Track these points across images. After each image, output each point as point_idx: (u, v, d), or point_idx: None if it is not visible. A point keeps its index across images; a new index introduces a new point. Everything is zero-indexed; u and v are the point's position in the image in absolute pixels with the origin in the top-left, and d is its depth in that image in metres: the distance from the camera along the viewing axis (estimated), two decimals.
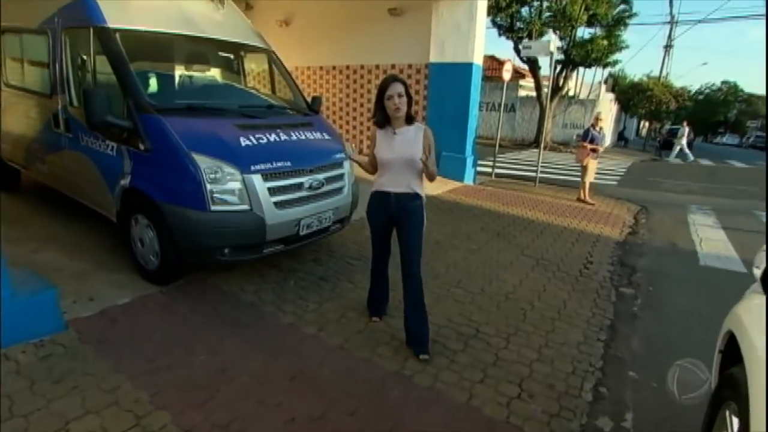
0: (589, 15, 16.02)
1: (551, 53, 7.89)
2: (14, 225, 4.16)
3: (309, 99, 4.28)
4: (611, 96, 22.70)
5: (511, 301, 3.42)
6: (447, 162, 7.89)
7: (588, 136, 7.09)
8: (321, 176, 3.32)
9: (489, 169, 9.46)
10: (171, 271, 3.12)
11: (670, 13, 25.78)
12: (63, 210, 4.44)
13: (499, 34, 17.30)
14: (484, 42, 7.78)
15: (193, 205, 2.79)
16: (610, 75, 26.56)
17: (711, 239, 5.75)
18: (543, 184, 8.77)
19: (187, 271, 3.33)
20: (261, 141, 3.08)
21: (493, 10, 14.85)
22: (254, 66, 5.85)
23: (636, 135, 34.95)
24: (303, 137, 3.40)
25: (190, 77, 3.86)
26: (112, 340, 2.56)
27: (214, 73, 4.37)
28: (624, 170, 13.47)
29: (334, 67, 9.79)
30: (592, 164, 7.23)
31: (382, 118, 2.47)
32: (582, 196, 7.38)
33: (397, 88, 2.34)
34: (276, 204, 3.00)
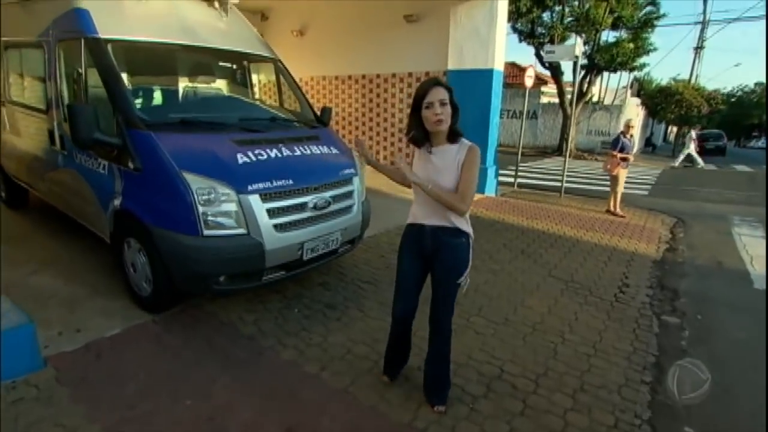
0: (614, 18, 15.46)
1: (576, 57, 7.49)
2: (17, 244, 4.04)
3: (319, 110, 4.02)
4: (637, 101, 21.89)
5: (539, 333, 3.05)
6: None
7: (618, 145, 6.63)
8: (327, 194, 3.03)
9: (511, 179, 9.05)
10: (164, 299, 2.88)
11: (704, 12, 24.73)
12: (67, 229, 4.28)
13: (520, 40, 16.89)
14: (504, 47, 7.44)
15: (185, 229, 2.54)
16: (635, 79, 25.71)
17: (763, 257, 5.21)
18: (569, 195, 8.31)
19: (184, 297, 3.08)
20: (260, 157, 2.82)
21: (514, 15, 14.47)
22: (263, 76, 5.66)
23: (663, 141, 33.76)
24: (308, 152, 3.13)
25: (189, 90, 3.65)
26: (92, 380, 2.32)
27: (219, 85, 4.18)
28: (654, 178, 12.81)
29: (349, 77, 9.60)
30: (623, 174, 6.76)
31: (420, 134, 1.96)
32: (611, 208, 6.91)
33: (440, 93, 1.85)
34: (276, 227, 2.73)
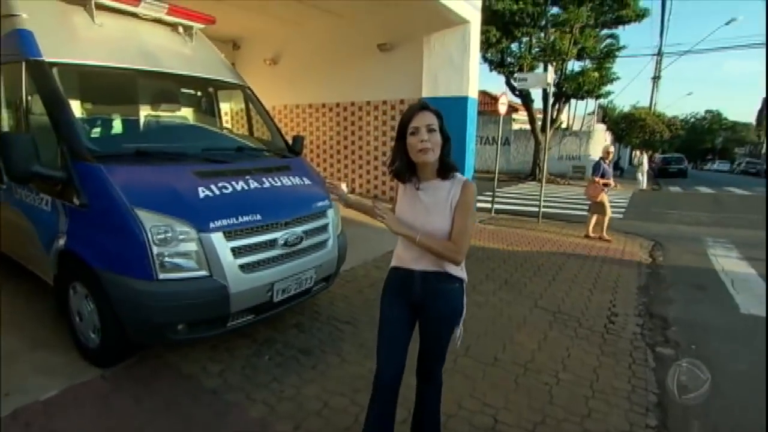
0: (578, 49, 16.11)
1: (548, 84, 7.61)
2: None
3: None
4: (603, 127, 22.72)
5: (531, 374, 2.83)
6: None
7: (599, 170, 6.67)
8: (299, 229, 2.79)
9: (488, 205, 8.99)
10: (114, 352, 2.54)
11: (660, 45, 26.20)
12: (8, 272, 3.86)
13: (491, 69, 17.35)
14: (477, 75, 7.51)
15: (138, 273, 2.24)
16: (600, 107, 26.79)
17: (742, 279, 5.20)
18: (547, 220, 8.29)
19: (138, 348, 2.73)
20: (225, 191, 2.57)
21: (484, 45, 14.86)
22: (233, 104, 5.45)
23: (629, 164, 35.08)
24: (278, 183, 2.90)
25: (148, 118, 3.38)
26: None
27: (183, 113, 3.93)
28: (626, 201, 13.08)
29: (323, 105, 9.51)
30: (606, 199, 6.79)
31: (404, 166, 1.67)
32: (589, 233, 6.89)
33: (427, 118, 1.59)
34: (243, 267, 2.46)
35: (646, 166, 17.26)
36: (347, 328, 3.32)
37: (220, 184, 2.58)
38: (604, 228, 6.83)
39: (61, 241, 2.53)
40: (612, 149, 6.96)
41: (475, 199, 1.71)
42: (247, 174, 2.80)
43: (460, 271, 1.76)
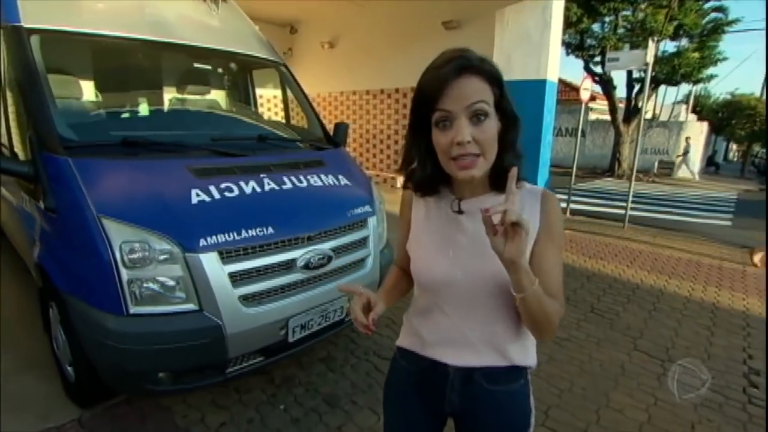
0: (674, 26, 14.00)
1: (646, 65, 6.34)
2: None
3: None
4: (694, 117, 19.97)
5: None
6: None
7: None
8: (327, 246, 2.11)
9: (562, 204, 7.86)
10: (88, 393, 2.03)
11: None
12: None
13: (567, 53, 15.61)
14: (559, 56, 6.41)
15: (103, 304, 1.68)
16: (695, 95, 23.68)
17: None
18: (633, 225, 7.04)
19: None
20: (228, 194, 1.94)
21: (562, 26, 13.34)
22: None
23: (724, 159, 31.11)
24: (303, 184, 2.23)
25: (151, 100, 2.82)
26: None
27: (214, 97, 3.39)
28: (731, 205, 11.15)
29: (381, 91, 8.82)
30: None
31: (428, 176, 0.96)
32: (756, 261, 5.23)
33: (469, 90, 0.85)
34: (245, 298, 1.83)
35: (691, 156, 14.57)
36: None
37: (222, 185, 1.96)
38: None
39: (35, 251, 2.05)
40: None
41: (560, 218, 0.97)
42: (263, 171, 2.16)
43: (529, 356, 1.01)
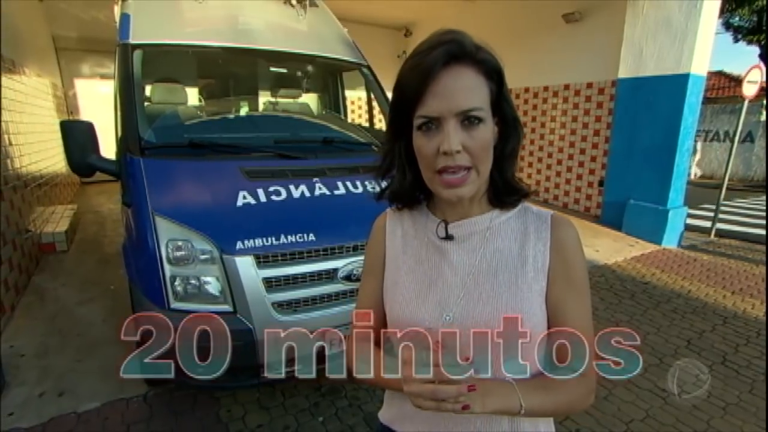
0: None
1: None
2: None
3: None
4: None
5: None
6: (637, 214, 5.60)
7: None
8: None
9: (706, 223, 6.51)
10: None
11: None
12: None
13: (735, 40, 13.05)
14: (711, 44, 5.30)
15: (151, 295, 1.78)
16: None
17: None
18: None
19: None
20: (275, 197, 1.93)
21: (730, 6, 11.20)
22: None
23: None
24: (357, 189, 2.13)
25: (233, 104, 2.97)
26: None
27: (305, 100, 3.50)
28: None
29: None
30: None
31: (409, 186, 0.78)
32: None
33: (458, 87, 0.67)
34: (279, 306, 1.79)
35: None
36: None
37: (271, 188, 1.95)
38: None
39: (123, 241, 2.29)
40: None
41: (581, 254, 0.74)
42: (317, 175, 2.11)
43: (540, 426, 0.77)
